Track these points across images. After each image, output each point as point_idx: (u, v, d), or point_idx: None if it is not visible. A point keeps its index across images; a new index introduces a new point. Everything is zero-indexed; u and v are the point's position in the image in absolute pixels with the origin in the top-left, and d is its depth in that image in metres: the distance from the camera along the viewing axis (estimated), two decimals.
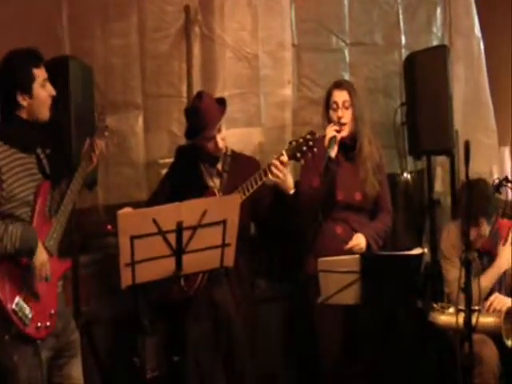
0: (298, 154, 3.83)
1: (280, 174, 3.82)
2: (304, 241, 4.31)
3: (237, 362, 4.04)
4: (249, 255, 4.08)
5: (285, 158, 3.81)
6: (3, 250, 3.03)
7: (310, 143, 3.81)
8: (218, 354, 4.03)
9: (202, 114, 3.99)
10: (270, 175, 3.83)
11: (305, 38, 5.16)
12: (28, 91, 3.19)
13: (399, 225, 5.13)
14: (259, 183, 3.88)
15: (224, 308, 3.99)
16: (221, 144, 4.07)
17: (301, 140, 3.84)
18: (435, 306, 4.06)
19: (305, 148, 3.81)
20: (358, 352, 4.15)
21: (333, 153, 4.04)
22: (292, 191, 3.92)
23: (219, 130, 4.06)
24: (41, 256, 3.14)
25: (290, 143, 3.88)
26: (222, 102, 4.12)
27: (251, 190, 3.88)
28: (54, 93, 3.29)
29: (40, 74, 3.24)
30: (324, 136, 4.12)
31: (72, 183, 3.41)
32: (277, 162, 3.81)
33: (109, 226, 4.22)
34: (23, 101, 3.19)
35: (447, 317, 3.97)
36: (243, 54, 5.01)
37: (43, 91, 3.24)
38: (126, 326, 4.38)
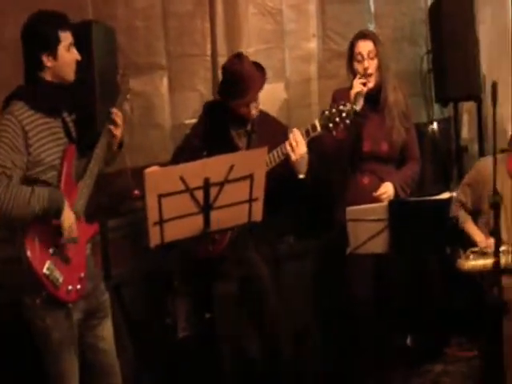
0: (331, 125, 3.79)
1: (296, 151, 3.80)
2: (332, 193, 4.29)
3: (268, 319, 4.04)
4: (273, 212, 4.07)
5: (297, 135, 3.80)
6: (32, 213, 3.04)
7: (343, 114, 3.77)
8: (248, 313, 4.06)
9: (244, 80, 3.94)
10: (289, 149, 3.81)
11: None
12: (53, 52, 3.19)
13: (427, 174, 5.09)
14: (281, 157, 3.85)
15: (252, 266, 4.01)
16: (254, 111, 4.02)
17: (333, 110, 3.79)
18: (463, 252, 4.03)
19: (338, 119, 3.77)
20: (389, 302, 4.13)
21: (358, 106, 3.96)
22: (301, 176, 3.89)
23: (256, 97, 4.01)
24: (68, 216, 3.15)
25: (323, 113, 3.83)
26: (261, 69, 4.06)
27: (274, 164, 3.84)
28: (79, 57, 3.30)
29: (66, 37, 3.24)
30: (349, 88, 4.08)
31: (97, 146, 3.40)
32: (292, 140, 3.80)
33: (136, 191, 4.22)
34: (48, 62, 3.19)
35: (474, 261, 3.95)
36: (267, 9, 4.99)
37: (68, 54, 3.24)
38: (155, 288, 4.42)
